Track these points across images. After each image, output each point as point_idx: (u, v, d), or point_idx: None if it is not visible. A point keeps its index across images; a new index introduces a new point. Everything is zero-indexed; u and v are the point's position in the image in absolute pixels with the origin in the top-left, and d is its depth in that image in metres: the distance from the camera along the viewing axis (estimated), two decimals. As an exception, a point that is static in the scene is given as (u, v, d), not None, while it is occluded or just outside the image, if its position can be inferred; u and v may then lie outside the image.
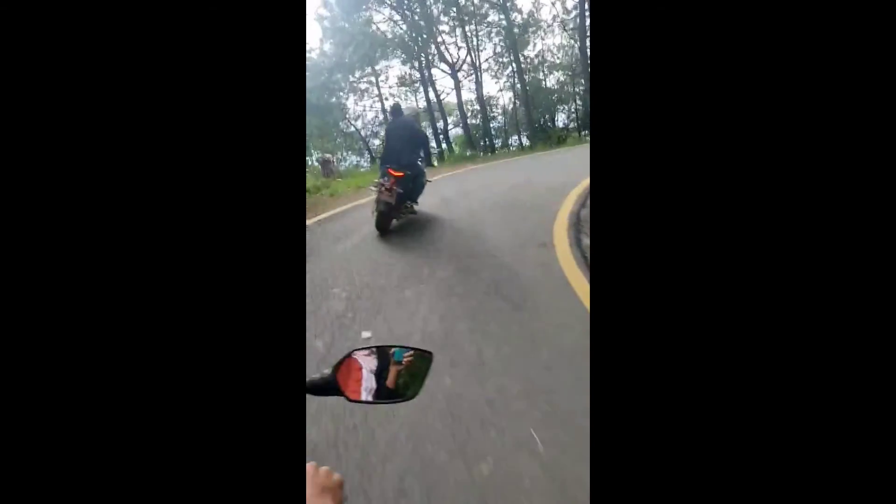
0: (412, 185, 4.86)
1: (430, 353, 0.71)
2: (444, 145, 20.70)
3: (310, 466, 0.56)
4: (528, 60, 21.76)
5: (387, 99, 20.97)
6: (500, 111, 23.65)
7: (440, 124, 21.42)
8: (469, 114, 21.83)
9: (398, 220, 4.96)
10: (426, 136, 5.40)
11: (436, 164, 6.36)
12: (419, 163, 5.04)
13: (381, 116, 20.88)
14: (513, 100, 23.08)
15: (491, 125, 22.40)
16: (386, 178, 4.50)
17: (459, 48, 20.37)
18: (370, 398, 0.68)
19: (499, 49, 20.92)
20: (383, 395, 0.69)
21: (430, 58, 20.04)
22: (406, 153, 4.72)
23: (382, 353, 0.70)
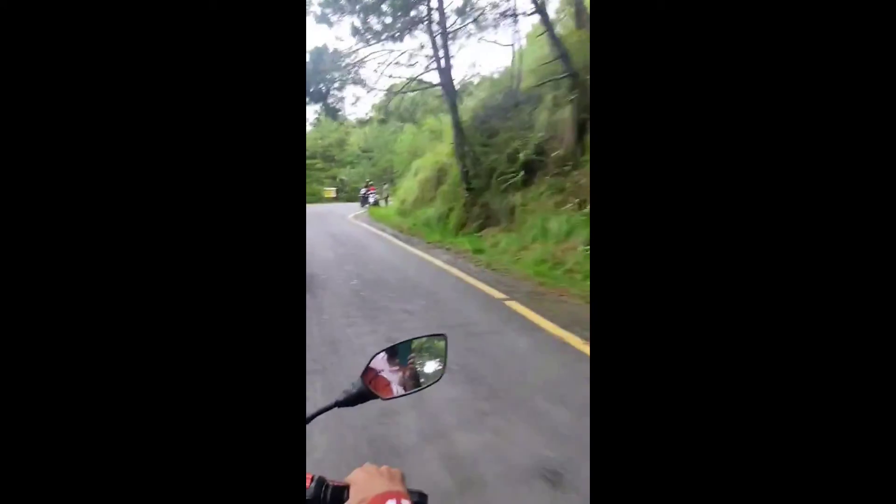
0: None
1: (443, 335, 0.78)
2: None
3: (370, 466, 0.62)
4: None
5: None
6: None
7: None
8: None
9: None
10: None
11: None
12: None
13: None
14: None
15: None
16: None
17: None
18: (402, 391, 0.74)
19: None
20: (412, 384, 0.75)
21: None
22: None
23: (400, 348, 0.76)
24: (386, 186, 19.10)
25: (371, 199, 16.66)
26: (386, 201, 17.09)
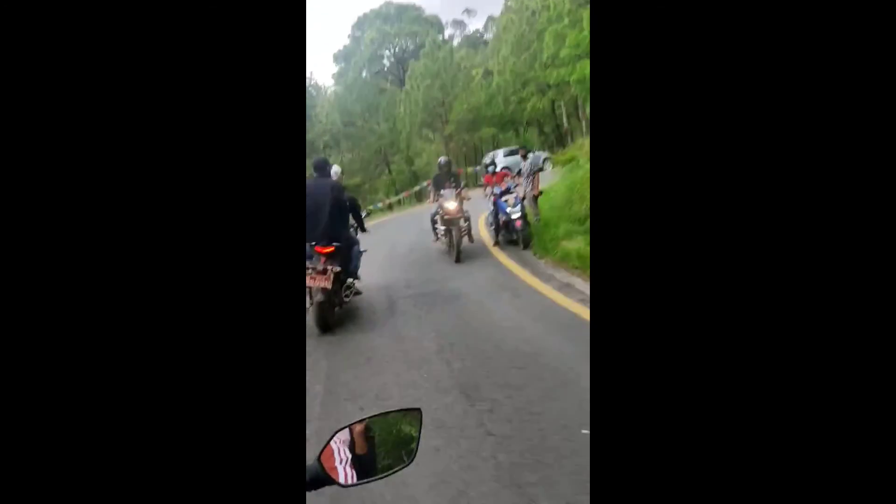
0: (348, 259, 3.83)
1: (416, 410, 0.66)
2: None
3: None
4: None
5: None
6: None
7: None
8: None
9: (341, 307, 3.84)
10: (354, 199, 4.54)
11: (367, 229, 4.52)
12: (351, 231, 4.21)
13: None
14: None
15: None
16: (314, 259, 3.47)
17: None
18: (365, 478, 0.62)
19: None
20: (378, 469, 0.64)
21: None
22: (334, 222, 3.67)
23: (364, 426, 0.65)
24: (545, 156, 7.42)
25: (505, 216, 5.37)
26: (535, 202, 5.91)
